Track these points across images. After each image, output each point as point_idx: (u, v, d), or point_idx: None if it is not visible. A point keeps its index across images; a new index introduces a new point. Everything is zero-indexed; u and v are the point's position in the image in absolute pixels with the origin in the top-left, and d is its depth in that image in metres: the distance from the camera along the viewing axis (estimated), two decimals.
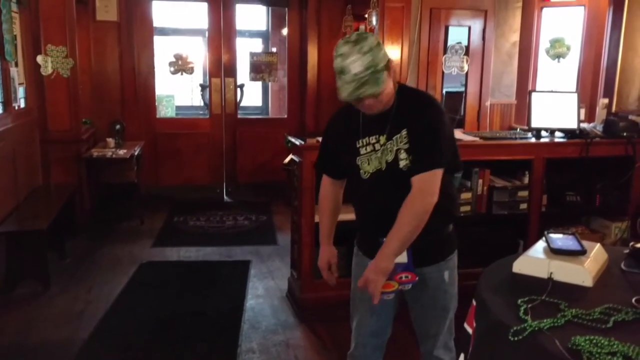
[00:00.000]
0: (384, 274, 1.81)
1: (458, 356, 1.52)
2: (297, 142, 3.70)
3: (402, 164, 1.87)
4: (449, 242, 2.06)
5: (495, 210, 3.68)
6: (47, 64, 4.82)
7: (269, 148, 6.60)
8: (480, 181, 3.63)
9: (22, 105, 4.72)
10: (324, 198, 2.18)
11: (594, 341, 1.16)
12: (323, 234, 2.19)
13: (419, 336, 2.14)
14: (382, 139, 1.91)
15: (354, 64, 1.76)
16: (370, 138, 1.93)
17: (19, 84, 4.61)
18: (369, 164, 1.95)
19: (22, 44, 4.67)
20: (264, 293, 3.94)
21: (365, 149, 1.95)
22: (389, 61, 1.83)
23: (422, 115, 1.88)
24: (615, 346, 1.14)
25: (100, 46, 6.06)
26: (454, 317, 2.09)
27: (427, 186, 1.83)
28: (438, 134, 1.86)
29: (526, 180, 3.73)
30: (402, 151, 1.87)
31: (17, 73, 4.51)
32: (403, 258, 1.88)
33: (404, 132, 1.87)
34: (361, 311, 2.14)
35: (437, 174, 1.84)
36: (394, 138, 1.88)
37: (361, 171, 1.96)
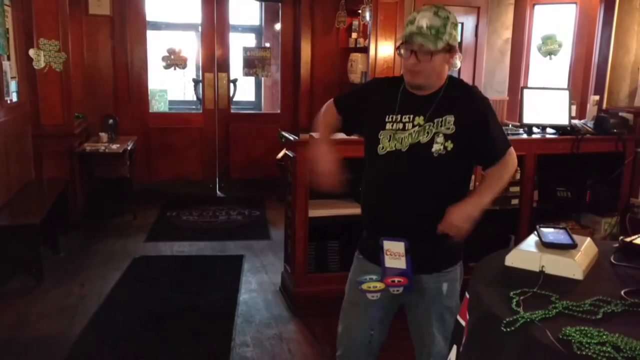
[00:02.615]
0: (472, 222, 1.82)
1: (451, 348, 1.55)
2: (291, 137, 3.72)
3: (435, 147, 1.84)
4: (452, 252, 1.99)
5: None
6: (39, 57, 4.79)
7: (262, 143, 6.61)
8: (473, 177, 3.64)
9: (15, 99, 4.69)
10: (327, 114, 2.12)
11: (584, 332, 1.19)
12: (322, 136, 2.10)
13: (414, 343, 2.10)
14: (419, 119, 1.87)
15: (424, 18, 1.80)
16: (404, 116, 1.89)
17: (11, 77, 4.59)
18: (389, 140, 1.89)
19: (14, 38, 4.64)
20: (258, 287, 3.96)
21: (393, 126, 1.90)
22: (455, 47, 1.84)
23: (478, 104, 1.91)
24: (604, 336, 1.17)
25: (93, 40, 6.03)
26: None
27: (507, 162, 1.93)
28: (498, 123, 1.95)
29: (517, 176, 3.76)
30: (441, 135, 1.84)
31: (9, 67, 4.48)
32: (401, 264, 1.85)
33: (449, 118, 1.85)
34: (351, 315, 2.08)
35: (512, 151, 1.95)
36: (434, 121, 1.86)
37: (379, 146, 1.91)
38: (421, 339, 2.04)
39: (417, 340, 2.07)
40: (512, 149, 1.95)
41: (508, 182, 1.95)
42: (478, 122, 1.87)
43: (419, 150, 1.85)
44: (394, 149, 1.88)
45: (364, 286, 1.86)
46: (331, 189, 1.97)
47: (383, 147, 1.90)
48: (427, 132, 1.85)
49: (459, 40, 1.86)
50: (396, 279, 1.84)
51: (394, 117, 1.91)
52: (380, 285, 1.84)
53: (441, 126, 1.85)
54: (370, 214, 2.03)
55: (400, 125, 1.89)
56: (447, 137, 1.84)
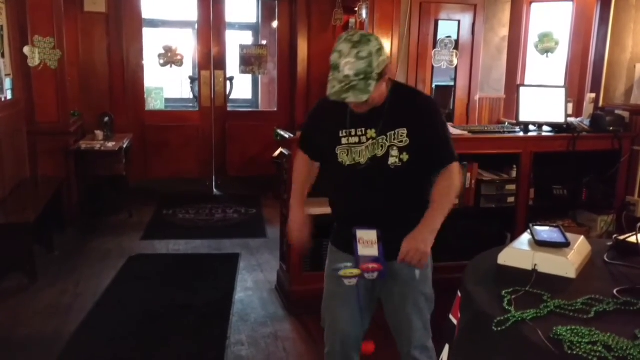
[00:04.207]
0: (428, 246, 1.83)
1: (443, 347, 1.54)
2: (287, 135, 3.70)
3: (391, 160, 1.89)
4: None
5: (483, 204, 3.70)
6: (34, 55, 4.77)
7: (259, 141, 6.59)
8: (469, 175, 3.65)
9: (9, 96, 4.67)
10: (299, 164, 2.19)
11: (575, 331, 1.18)
12: (296, 195, 2.16)
13: (394, 335, 2.12)
14: (371, 132, 1.91)
15: (348, 65, 1.75)
16: (358, 130, 1.93)
17: (6, 75, 4.56)
18: (348, 155, 1.95)
19: (8, 35, 4.61)
20: (253, 286, 3.95)
21: (348, 140, 1.95)
22: (385, 68, 1.82)
23: (427, 114, 1.94)
24: (595, 336, 1.16)
25: (88, 38, 6.00)
26: (430, 317, 2.07)
27: (456, 169, 1.95)
28: (446, 130, 1.97)
29: (514, 173, 3.76)
30: (395, 148, 1.89)
31: (3, 64, 4.46)
32: (373, 251, 1.89)
33: (402, 131, 1.89)
34: (334, 307, 2.12)
35: (458, 165, 1.97)
36: (387, 134, 1.90)
37: (339, 160, 1.97)
38: (399, 327, 2.08)
39: (396, 329, 2.10)
40: (457, 163, 1.97)
41: (453, 201, 1.95)
42: (429, 130, 1.92)
43: (377, 163, 1.91)
44: (353, 162, 1.95)
45: (341, 272, 1.88)
46: (302, 251, 2.13)
47: (343, 162, 1.97)
48: (382, 146, 1.91)
49: (386, 58, 1.82)
50: (370, 265, 1.87)
51: (347, 131, 1.95)
52: (356, 271, 1.87)
53: (394, 139, 1.90)
54: (340, 213, 2.11)
55: (356, 139, 1.94)
56: (401, 149, 1.89)
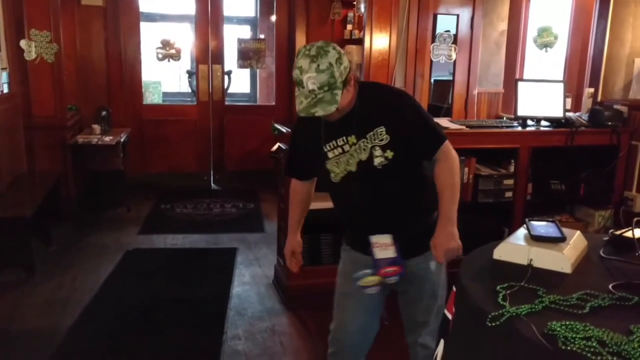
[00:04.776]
0: (456, 239, 1.83)
1: (438, 342, 1.53)
2: (284, 129, 3.69)
3: (377, 161, 1.89)
4: (433, 230, 1.99)
5: (481, 199, 3.70)
6: (30, 48, 4.75)
7: (257, 135, 6.58)
8: (466, 169, 3.64)
9: (6, 90, 4.66)
10: (295, 192, 2.21)
11: (570, 326, 1.17)
12: (292, 224, 2.22)
13: (406, 325, 2.14)
14: (352, 138, 1.90)
15: (310, 80, 1.74)
16: (338, 140, 1.93)
17: (2, 68, 4.55)
18: (338, 167, 1.95)
19: (4, 28, 4.59)
20: (251, 280, 3.95)
21: (334, 152, 1.94)
22: (348, 74, 1.80)
23: (400, 107, 1.92)
24: (590, 331, 1.16)
25: (85, 31, 5.98)
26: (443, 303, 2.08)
27: (447, 149, 1.92)
28: (424, 116, 1.94)
29: (512, 168, 3.75)
30: (378, 148, 1.88)
31: (0, 58, 4.44)
32: (390, 253, 1.89)
33: (379, 129, 1.88)
34: (345, 308, 2.11)
35: (449, 144, 1.94)
36: (367, 136, 1.89)
37: (332, 174, 1.97)
38: (414, 318, 2.09)
39: (411, 320, 2.11)
40: (447, 142, 1.95)
41: (459, 183, 1.95)
42: (405, 122, 1.90)
43: (365, 167, 1.91)
44: (345, 172, 1.95)
45: (361, 282, 1.89)
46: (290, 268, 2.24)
47: (336, 175, 1.97)
48: (364, 149, 1.90)
49: (348, 65, 1.79)
50: (389, 269, 1.87)
51: (329, 144, 1.95)
52: (376, 279, 1.88)
53: (375, 139, 1.89)
54: (348, 223, 2.14)
55: (340, 150, 1.94)
56: (384, 147, 1.88)
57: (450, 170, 1.91)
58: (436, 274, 2.04)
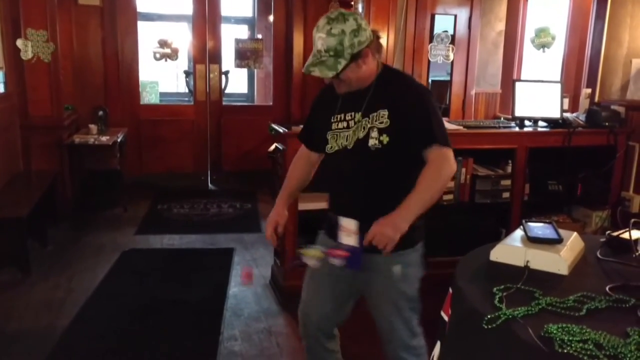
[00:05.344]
0: (400, 232, 1.74)
1: (434, 344, 1.53)
2: (281, 130, 3.68)
3: (371, 142, 1.85)
4: (406, 235, 1.84)
5: (478, 199, 3.70)
6: (27, 48, 4.73)
7: (254, 136, 6.56)
8: (464, 170, 3.64)
9: (2, 90, 4.64)
10: (296, 162, 2.19)
11: (566, 329, 1.17)
12: (283, 195, 2.15)
13: (378, 331, 2.08)
14: (358, 116, 1.90)
15: (320, 40, 1.77)
16: (347, 115, 1.93)
17: None
18: (336, 140, 1.94)
19: (1, 28, 4.57)
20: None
21: (337, 125, 1.95)
22: (363, 50, 1.79)
23: (411, 97, 1.86)
24: (587, 334, 1.15)
25: (82, 31, 5.95)
26: (415, 317, 2.01)
27: (445, 155, 1.83)
28: (432, 114, 1.85)
29: (509, 169, 3.75)
30: (375, 129, 1.85)
31: None
32: (352, 241, 1.86)
33: (383, 112, 1.85)
34: (310, 289, 2.14)
35: (450, 152, 1.84)
36: (370, 115, 1.87)
37: (328, 145, 1.97)
38: (380, 323, 2.04)
39: (378, 325, 2.06)
40: (450, 150, 1.85)
41: (442, 191, 1.85)
42: (412, 112, 1.84)
43: (359, 146, 1.88)
44: (340, 147, 1.93)
45: (302, 250, 1.87)
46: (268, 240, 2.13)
47: (331, 147, 1.96)
48: (364, 128, 1.88)
49: (366, 40, 1.78)
50: (337, 251, 1.84)
51: (338, 116, 1.96)
52: (316, 252, 1.85)
53: (376, 120, 1.86)
54: (330, 201, 2.10)
55: (344, 124, 1.93)
56: (381, 131, 1.85)
57: (437, 175, 1.82)
58: (401, 281, 1.94)
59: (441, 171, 1.82)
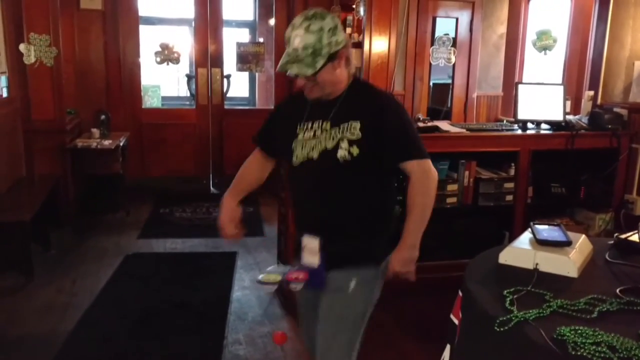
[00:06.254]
0: (414, 262, 1.77)
1: (444, 347, 1.52)
2: None
3: (340, 153, 1.78)
4: (368, 251, 1.86)
5: (481, 202, 3.69)
6: (30, 52, 4.73)
7: None
8: (467, 173, 3.64)
9: (5, 94, 4.64)
10: (248, 165, 2.12)
11: (579, 331, 1.17)
12: (232, 190, 2.07)
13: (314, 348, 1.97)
14: (326, 125, 1.83)
15: (296, 38, 1.72)
16: (314, 123, 1.86)
17: (1, 72, 4.54)
18: (302, 149, 1.86)
19: (3, 32, 4.58)
20: (251, 284, 3.93)
21: (304, 135, 1.86)
22: (340, 51, 1.76)
23: (383, 109, 1.82)
24: (599, 336, 1.15)
25: (84, 35, 5.96)
26: (356, 340, 1.89)
27: (425, 168, 1.80)
28: (406, 125, 1.83)
29: (512, 172, 3.75)
30: (345, 140, 1.78)
31: None
32: (314, 261, 1.80)
33: (354, 123, 1.79)
34: (301, 320, 2.14)
35: (428, 163, 1.82)
36: (340, 125, 1.81)
37: (294, 155, 1.88)
38: (319, 341, 1.91)
39: (317, 342, 1.93)
40: (429, 160, 1.82)
41: (430, 204, 1.81)
42: (387, 126, 1.80)
43: (327, 157, 1.80)
44: (306, 157, 1.84)
45: (261, 277, 1.82)
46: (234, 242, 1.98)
47: (297, 157, 1.87)
48: (333, 138, 1.80)
49: (342, 41, 1.75)
50: (296, 275, 1.78)
51: (305, 124, 1.88)
52: (274, 277, 1.80)
53: (346, 131, 1.79)
54: (296, 218, 2.04)
55: (311, 133, 1.85)
56: (351, 142, 1.77)
57: (424, 190, 1.80)
58: (352, 297, 1.85)
59: (427, 186, 1.81)
